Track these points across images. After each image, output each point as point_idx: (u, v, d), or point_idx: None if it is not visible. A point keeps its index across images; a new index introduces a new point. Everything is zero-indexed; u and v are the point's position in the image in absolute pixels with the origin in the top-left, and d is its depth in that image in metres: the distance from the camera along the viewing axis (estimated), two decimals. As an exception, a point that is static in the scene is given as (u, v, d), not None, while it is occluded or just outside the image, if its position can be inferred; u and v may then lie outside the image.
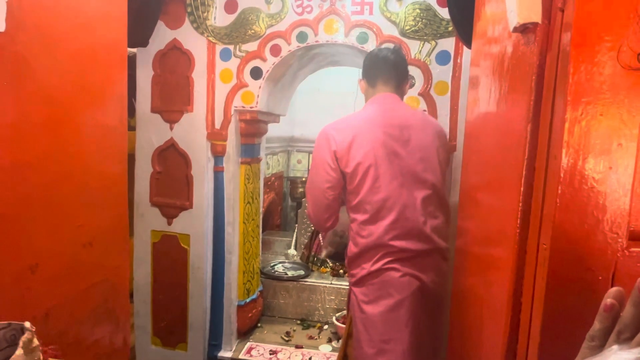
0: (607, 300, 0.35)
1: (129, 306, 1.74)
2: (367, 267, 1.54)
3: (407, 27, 2.09)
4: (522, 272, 0.72)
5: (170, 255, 2.39)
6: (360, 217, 1.55)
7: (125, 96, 1.66)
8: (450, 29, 2.01)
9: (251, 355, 2.45)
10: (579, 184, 0.59)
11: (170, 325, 2.42)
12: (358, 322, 1.56)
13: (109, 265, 1.59)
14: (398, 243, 1.50)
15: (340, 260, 1.82)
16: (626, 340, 0.32)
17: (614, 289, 0.35)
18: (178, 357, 2.41)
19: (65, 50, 1.34)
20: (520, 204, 0.72)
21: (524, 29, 0.73)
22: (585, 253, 0.58)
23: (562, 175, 0.60)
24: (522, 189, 0.72)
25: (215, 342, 2.46)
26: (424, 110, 2.12)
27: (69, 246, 1.40)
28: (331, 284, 2.89)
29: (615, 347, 0.32)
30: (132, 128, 2.43)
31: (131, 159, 2.51)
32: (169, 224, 2.37)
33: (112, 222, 1.62)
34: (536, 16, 0.69)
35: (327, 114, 4.36)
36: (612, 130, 0.57)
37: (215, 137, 2.31)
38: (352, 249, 1.59)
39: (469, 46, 1.66)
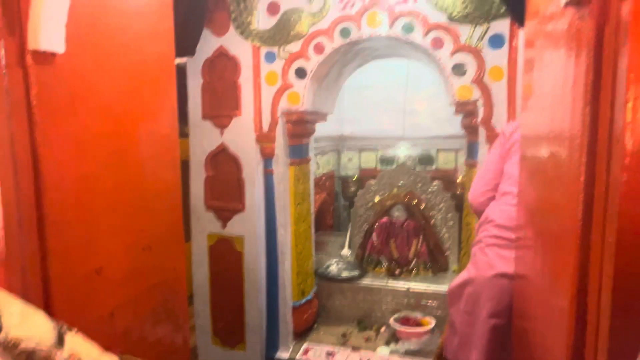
0: None
1: (187, 306, 1.81)
2: None
3: (456, 12, 1.98)
4: (586, 270, 0.64)
5: (225, 258, 2.46)
6: None
7: (175, 106, 1.73)
8: (503, 10, 1.88)
9: (308, 357, 2.46)
10: (649, 169, 0.52)
11: (228, 326, 2.50)
12: None
13: (167, 267, 1.66)
14: None
15: None
16: None
17: None
18: (237, 357, 2.48)
19: (118, 66, 1.42)
20: (582, 195, 0.64)
21: (578, 2, 0.66)
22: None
23: (626, 160, 0.52)
24: (583, 177, 0.64)
25: (272, 343, 2.50)
26: (477, 100, 2.01)
27: (130, 250, 1.48)
28: (387, 284, 2.83)
29: None
30: (185, 135, 2.54)
31: (186, 165, 2.62)
32: (224, 227, 2.45)
33: (168, 226, 1.69)
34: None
35: (377, 109, 4.32)
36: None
37: (264, 140, 2.34)
38: None
39: (522, 26, 1.54)
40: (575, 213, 0.66)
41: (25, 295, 1.03)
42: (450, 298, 1.59)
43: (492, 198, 1.58)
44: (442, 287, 2.65)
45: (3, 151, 1.06)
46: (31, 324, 0.71)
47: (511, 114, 1.93)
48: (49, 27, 1.10)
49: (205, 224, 2.47)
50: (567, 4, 0.66)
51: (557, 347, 0.75)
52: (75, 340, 0.78)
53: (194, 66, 2.37)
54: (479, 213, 1.64)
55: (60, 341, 0.74)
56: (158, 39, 1.61)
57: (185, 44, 2.10)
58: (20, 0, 1.08)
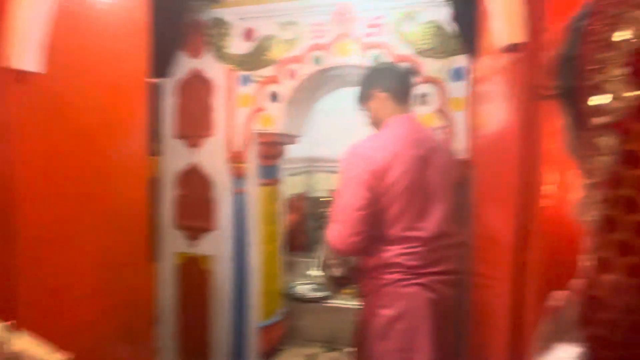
0: (551, 303, 0.36)
1: (152, 327, 1.79)
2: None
3: (421, 46, 2.12)
4: (521, 284, 0.71)
5: (193, 277, 2.45)
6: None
7: (146, 124, 1.75)
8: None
9: (274, 377, 2.45)
10: (562, 197, 0.59)
11: (194, 347, 2.46)
12: None
13: (133, 287, 1.65)
14: None
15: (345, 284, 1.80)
16: (567, 339, 0.33)
17: (557, 292, 0.36)
18: (202, 378, 2.43)
19: (92, 85, 1.45)
20: (516, 217, 0.72)
21: (512, 48, 0.75)
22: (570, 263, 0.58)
23: (546, 190, 0.60)
24: (517, 201, 0.72)
25: (238, 363, 2.47)
26: (440, 128, 2.12)
27: (97, 268, 1.47)
28: (356, 305, 2.85)
29: (558, 345, 0.33)
30: (158, 154, 2.54)
31: (155, 183, 2.62)
32: (193, 246, 2.44)
33: (135, 245, 1.69)
34: (522, 36, 0.70)
35: (348, 132, 4.41)
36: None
37: (236, 160, 2.38)
38: None
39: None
40: (511, 233, 0.73)
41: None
42: (369, 339, 1.56)
43: (364, 241, 1.49)
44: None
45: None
46: None
47: (469, 142, 2.05)
48: (24, 46, 1.13)
49: (174, 243, 2.46)
50: (503, 50, 0.75)
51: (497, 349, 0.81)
52: (25, 338, 0.80)
53: (169, 86, 2.41)
54: (348, 254, 1.62)
55: (9, 337, 0.76)
56: (133, 59, 1.65)
57: (160, 67, 2.14)
58: (-2, 19, 1.11)
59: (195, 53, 2.36)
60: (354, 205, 1.48)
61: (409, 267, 1.47)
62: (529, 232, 0.66)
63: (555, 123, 0.60)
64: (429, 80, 2.11)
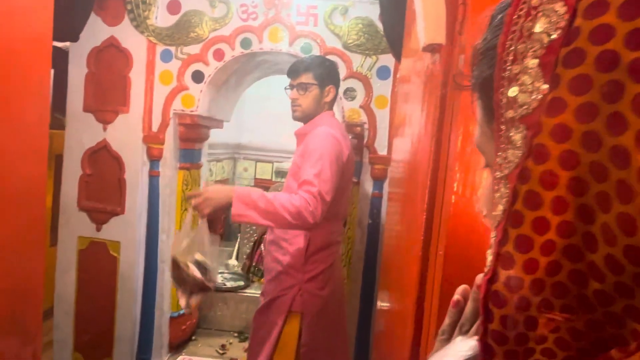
0: (454, 297, 0.37)
1: (42, 318, 1.62)
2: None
3: (350, 41, 2.14)
4: (425, 277, 0.74)
5: (98, 264, 2.26)
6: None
7: (48, 93, 1.57)
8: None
9: (183, 369, 2.36)
10: (470, 194, 0.62)
11: (94, 339, 2.28)
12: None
13: (20, 274, 1.47)
14: None
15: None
16: (466, 332, 0.34)
17: (461, 286, 0.38)
18: (102, 372, 2.27)
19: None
20: (424, 214, 0.74)
21: (431, 48, 0.77)
22: (477, 258, 0.62)
23: (455, 187, 0.63)
24: (426, 198, 0.75)
25: (144, 356, 2.34)
26: (365, 123, 2.17)
27: (-26, 250, 1.29)
28: (271, 294, 2.85)
29: (458, 338, 0.34)
30: (62, 127, 2.30)
31: (59, 160, 2.37)
32: (98, 230, 2.25)
33: (27, 227, 1.50)
34: (440, 38, 0.72)
35: (277, 121, 4.37)
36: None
37: (152, 141, 2.23)
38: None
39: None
40: (419, 229, 0.76)
41: None
42: None
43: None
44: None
45: None
46: None
47: (391, 139, 2.12)
48: None
49: (76, 226, 2.25)
50: (424, 49, 0.77)
51: (402, 340, 0.84)
52: None
53: (79, 53, 2.18)
54: (309, 228, 1.56)
55: None
56: (34, 16, 1.46)
57: (67, 28, 1.92)
58: None
59: (113, 20, 2.16)
60: (333, 181, 1.50)
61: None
62: (437, 227, 0.69)
63: (467, 122, 0.63)
64: (356, 76, 2.15)
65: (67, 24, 1.87)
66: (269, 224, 1.50)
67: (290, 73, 1.71)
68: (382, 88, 2.14)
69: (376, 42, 2.12)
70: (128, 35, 2.16)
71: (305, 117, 1.70)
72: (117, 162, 2.22)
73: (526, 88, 0.23)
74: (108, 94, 2.20)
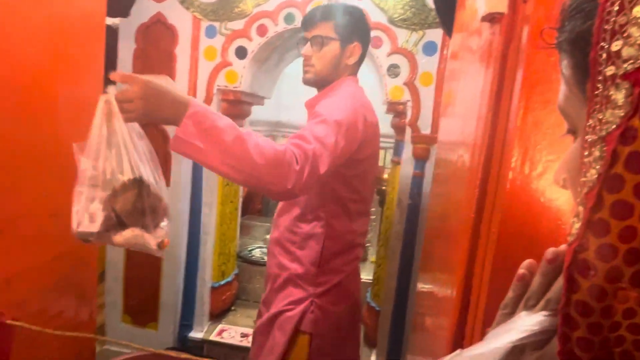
0: (520, 270, 0.36)
1: (96, 280, 1.73)
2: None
3: (396, 15, 2.07)
4: (474, 256, 0.72)
5: (145, 233, 2.37)
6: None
7: (102, 68, 1.62)
8: (437, 19, 2.00)
9: (222, 337, 2.46)
10: (529, 171, 0.60)
11: (141, 304, 2.41)
12: None
13: (75, 238, 1.57)
14: None
15: None
16: (532, 306, 0.33)
17: (527, 260, 0.36)
18: (148, 336, 2.40)
19: (38, 16, 1.31)
20: (477, 190, 0.72)
21: (491, 18, 0.73)
22: (533, 238, 0.59)
23: (512, 162, 0.60)
24: (479, 175, 0.72)
25: (186, 323, 2.46)
26: (408, 101, 2.12)
27: (34, 215, 1.38)
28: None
29: (522, 313, 0.33)
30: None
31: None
32: (145, 201, 2.35)
33: (82, 195, 1.59)
34: (502, 6, 0.68)
35: (316, 101, 4.36)
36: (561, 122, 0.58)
37: (196, 116, 2.28)
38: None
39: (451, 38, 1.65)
40: (470, 207, 0.74)
41: None
42: None
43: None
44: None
45: None
46: None
47: (435, 118, 2.06)
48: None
49: (125, 197, 2.36)
50: (483, 19, 0.74)
51: (445, 325, 0.84)
52: None
53: (128, 30, 2.23)
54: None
55: None
56: (88, -5, 1.50)
57: (119, 4, 1.97)
58: None
59: (159, -4, 2.19)
60: (335, 154, 1.15)
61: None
62: (491, 205, 0.67)
63: (529, 95, 0.60)
64: (400, 52, 2.09)
65: (118, 1, 1.92)
66: (225, 171, 0.99)
67: (305, 23, 1.35)
68: (428, 64, 2.07)
69: (423, 17, 2.04)
70: (174, 12, 2.20)
71: (319, 82, 1.37)
72: (162, 137, 2.29)
73: (634, 40, 0.20)
74: (155, 70, 2.25)
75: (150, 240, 1.03)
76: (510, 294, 0.36)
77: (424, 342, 1.16)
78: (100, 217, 0.98)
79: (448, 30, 1.64)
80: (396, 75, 2.11)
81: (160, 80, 0.97)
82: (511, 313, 0.35)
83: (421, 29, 2.05)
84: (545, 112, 0.58)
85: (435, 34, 2.04)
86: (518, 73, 0.63)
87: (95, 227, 0.98)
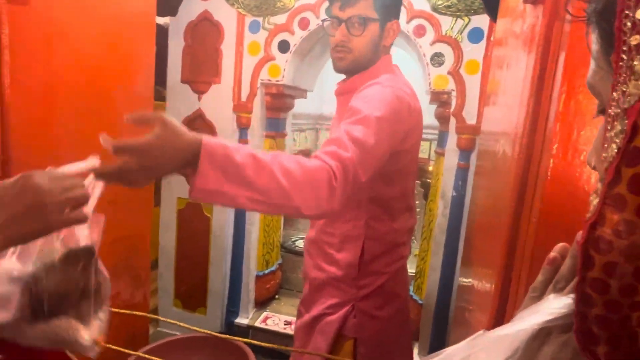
0: (551, 254, 0.35)
1: (150, 264, 1.84)
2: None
3: (440, 2, 2.02)
4: (514, 246, 0.71)
5: (194, 223, 2.48)
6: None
7: (153, 66, 1.71)
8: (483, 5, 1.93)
9: (267, 324, 2.54)
10: (572, 157, 0.57)
11: (191, 290, 2.54)
12: None
13: (132, 224, 1.67)
14: None
15: None
16: (561, 289, 0.33)
17: (559, 244, 0.35)
18: (197, 320, 2.53)
19: (96, 18, 1.41)
20: (518, 177, 0.70)
21: (534, 0, 0.70)
22: (574, 226, 0.57)
23: (554, 149, 0.58)
24: (521, 161, 0.70)
25: (233, 309, 2.56)
26: (452, 90, 2.06)
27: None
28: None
29: (551, 296, 0.33)
30: (162, 99, 2.51)
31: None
32: (194, 192, 2.45)
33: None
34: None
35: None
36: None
37: (241, 110, 2.35)
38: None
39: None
40: (511, 195, 0.72)
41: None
42: None
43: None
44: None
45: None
46: None
47: (481, 107, 1.99)
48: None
49: (175, 188, 2.48)
50: (525, 1, 0.71)
51: (484, 319, 0.82)
52: None
53: (177, 28, 2.34)
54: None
55: None
56: (139, -5, 1.59)
57: (167, 3, 2.07)
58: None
59: (205, -6, 2.27)
60: (378, 157, 1.01)
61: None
62: (532, 193, 0.65)
63: (573, 79, 0.58)
64: (444, 40, 2.03)
65: (166, 0, 2.01)
66: (253, 208, 0.84)
67: (338, 1, 1.14)
68: (474, 52, 2.00)
69: (468, 2, 1.97)
70: (219, 8, 2.27)
71: (355, 68, 1.19)
72: (210, 130, 2.38)
73: None
74: (202, 66, 2.34)
75: (84, 335, 0.70)
76: (539, 277, 0.36)
77: (464, 336, 1.15)
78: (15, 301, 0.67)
79: (493, 15, 1.58)
80: (440, 64, 2.06)
81: (163, 131, 0.76)
82: (540, 296, 0.35)
83: (466, 15, 1.99)
84: (589, 96, 0.55)
85: (482, 20, 1.96)
86: (561, 56, 0.60)
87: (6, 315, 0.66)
